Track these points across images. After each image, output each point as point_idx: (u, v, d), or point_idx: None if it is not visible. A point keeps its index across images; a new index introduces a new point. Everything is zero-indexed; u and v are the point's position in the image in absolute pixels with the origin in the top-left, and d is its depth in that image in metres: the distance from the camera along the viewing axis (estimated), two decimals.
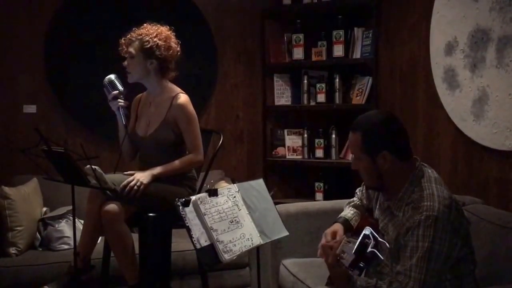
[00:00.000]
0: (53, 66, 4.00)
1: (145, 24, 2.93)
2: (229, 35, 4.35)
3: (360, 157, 2.00)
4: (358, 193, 2.42)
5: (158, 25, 2.94)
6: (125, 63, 2.92)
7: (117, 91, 2.91)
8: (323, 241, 2.11)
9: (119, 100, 2.91)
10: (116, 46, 2.94)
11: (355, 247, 1.92)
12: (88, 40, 3.99)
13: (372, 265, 2.03)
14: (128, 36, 2.91)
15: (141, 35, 2.87)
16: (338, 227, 2.22)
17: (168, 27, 2.96)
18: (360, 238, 1.93)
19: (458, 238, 1.88)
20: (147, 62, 2.87)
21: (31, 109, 4.00)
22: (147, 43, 2.84)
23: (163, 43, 2.87)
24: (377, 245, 1.91)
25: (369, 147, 1.96)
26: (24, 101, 4.00)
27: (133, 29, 2.93)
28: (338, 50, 4.11)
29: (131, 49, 2.87)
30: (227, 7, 4.34)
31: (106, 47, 3.90)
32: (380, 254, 1.90)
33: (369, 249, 1.88)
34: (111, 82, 2.92)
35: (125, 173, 2.84)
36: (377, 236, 1.91)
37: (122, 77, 2.97)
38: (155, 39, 2.85)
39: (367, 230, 1.92)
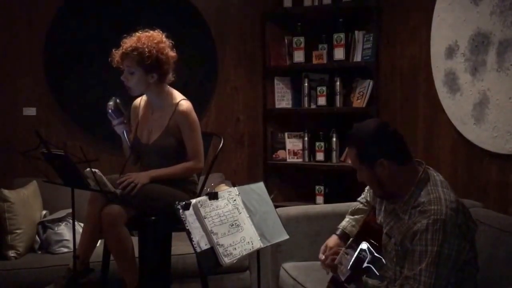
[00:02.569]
0: (53, 68, 4.00)
1: (137, 34, 2.80)
2: (229, 38, 4.34)
3: (361, 169, 2.05)
4: (366, 190, 2.44)
5: (151, 32, 2.83)
6: (123, 77, 2.82)
7: (122, 117, 2.86)
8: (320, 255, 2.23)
9: (124, 124, 2.88)
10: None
11: (351, 262, 1.92)
12: (88, 43, 4.00)
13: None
14: (122, 50, 2.79)
15: (137, 49, 2.74)
16: (334, 240, 2.32)
17: (159, 31, 2.86)
18: (357, 252, 1.93)
19: (466, 242, 1.88)
20: (148, 77, 2.80)
21: (30, 111, 3.99)
22: (147, 59, 2.74)
23: (162, 56, 2.79)
24: (373, 260, 1.91)
25: (365, 159, 2.02)
26: (24, 103, 4.00)
27: (123, 37, 2.81)
28: (339, 53, 4.10)
29: (130, 65, 2.77)
30: (227, 10, 4.33)
31: (106, 50, 3.91)
32: (376, 269, 1.90)
33: (365, 265, 1.89)
34: (116, 106, 2.84)
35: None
36: (373, 251, 1.91)
37: (121, 94, 2.88)
38: (153, 52, 2.74)
39: (363, 245, 1.93)
